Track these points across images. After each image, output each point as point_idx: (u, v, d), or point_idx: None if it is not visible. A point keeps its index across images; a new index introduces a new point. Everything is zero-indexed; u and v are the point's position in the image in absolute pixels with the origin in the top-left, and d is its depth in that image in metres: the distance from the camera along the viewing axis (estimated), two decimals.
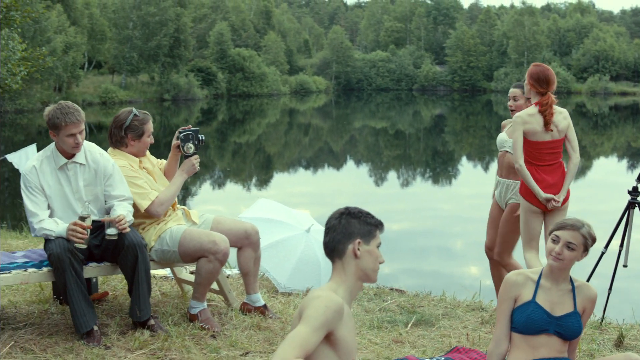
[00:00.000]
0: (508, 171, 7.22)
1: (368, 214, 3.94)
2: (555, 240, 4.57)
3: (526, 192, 6.68)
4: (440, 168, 32.82)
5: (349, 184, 27.41)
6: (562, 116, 6.73)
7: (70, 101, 6.01)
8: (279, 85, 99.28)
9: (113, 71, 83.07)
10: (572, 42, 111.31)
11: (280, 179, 29.39)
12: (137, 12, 78.04)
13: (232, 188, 26.68)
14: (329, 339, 3.65)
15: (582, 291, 4.68)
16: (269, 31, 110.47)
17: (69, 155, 6.02)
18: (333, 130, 55.12)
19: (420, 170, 32.71)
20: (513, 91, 7.35)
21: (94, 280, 6.94)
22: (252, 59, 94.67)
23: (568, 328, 4.57)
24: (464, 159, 36.90)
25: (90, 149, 6.14)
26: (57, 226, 5.78)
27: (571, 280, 4.68)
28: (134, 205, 6.24)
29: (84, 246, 5.72)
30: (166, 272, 8.05)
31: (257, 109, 75.93)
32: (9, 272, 5.81)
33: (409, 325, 6.65)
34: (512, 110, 7.31)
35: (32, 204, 5.89)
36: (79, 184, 6.03)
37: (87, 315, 5.75)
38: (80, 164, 6.04)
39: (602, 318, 6.89)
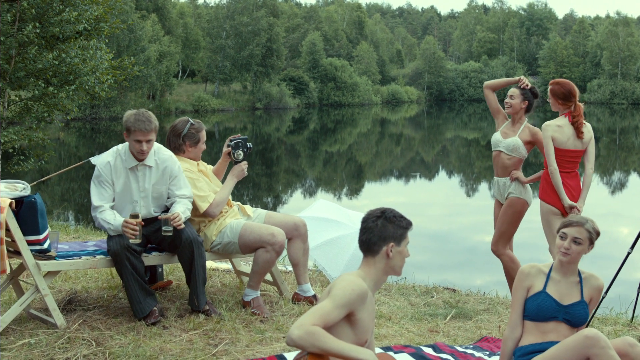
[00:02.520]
0: (503, 170, 7.67)
1: (401, 217, 4.30)
2: (563, 237, 4.97)
3: (548, 195, 7.09)
4: None
5: (441, 195, 27.42)
6: (586, 129, 7.17)
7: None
8: (370, 95, 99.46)
9: (206, 80, 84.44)
10: None
11: (371, 189, 29.50)
12: (230, 22, 79.34)
13: (323, 197, 26.39)
14: (349, 318, 4.08)
15: (588, 282, 5.08)
16: (362, 41, 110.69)
17: (139, 158, 6.52)
18: (424, 140, 54.98)
19: None
20: (513, 90, 7.72)
21: (160, 270, 7.54)
22: (344, 69, 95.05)
23: (575, 315, 4.98)
24: None
25: (158, 151, 6.63)
26: (114, 219, 6.31)
27: (579, 273, 5.08)
28: (195, 206, 6.81)
29: (137, 241, 6.25)
30: (229, 265, 8.63)
31: (349, 118, 76.06)
32: (80, 258, 6.38)
33: (447, 318, 7.04)
34: (509, 107, 7.70)
35: (99, 195, 6.42)
36: (145, 184, 6.55)
37: (143, 302, 6.32)
38: (149, 166, 6.54)
39: (633, 316, 7.18)
